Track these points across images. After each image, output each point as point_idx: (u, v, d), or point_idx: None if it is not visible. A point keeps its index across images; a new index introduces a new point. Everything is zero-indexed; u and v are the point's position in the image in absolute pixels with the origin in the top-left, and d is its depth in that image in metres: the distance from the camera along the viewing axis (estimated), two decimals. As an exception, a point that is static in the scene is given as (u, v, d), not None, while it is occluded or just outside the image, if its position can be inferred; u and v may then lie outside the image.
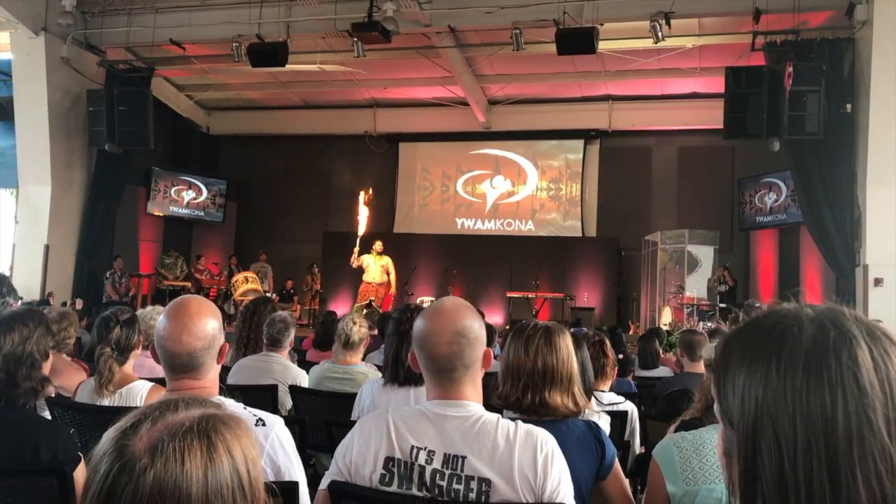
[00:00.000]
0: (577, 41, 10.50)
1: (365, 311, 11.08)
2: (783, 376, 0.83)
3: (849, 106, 10.45)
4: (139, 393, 3.15)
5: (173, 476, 0.95)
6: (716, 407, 0.92)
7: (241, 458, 1.02)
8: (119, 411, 1.05)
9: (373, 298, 12.92)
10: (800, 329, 0.85)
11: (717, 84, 11.88)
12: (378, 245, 13.35)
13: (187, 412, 1.03)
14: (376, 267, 13.28)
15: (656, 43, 10.79)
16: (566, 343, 2.40)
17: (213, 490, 0.97)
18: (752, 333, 0.89)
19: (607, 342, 3.85)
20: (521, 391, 2.34)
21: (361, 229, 13.31)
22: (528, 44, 11.36)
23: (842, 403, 0.80)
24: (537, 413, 2.32)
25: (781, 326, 0.87)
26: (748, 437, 0.85)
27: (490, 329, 5.75)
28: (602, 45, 10.86)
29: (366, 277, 13.30)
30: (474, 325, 1.91)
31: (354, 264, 13.08)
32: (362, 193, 13.86)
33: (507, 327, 12.04)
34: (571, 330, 2.72)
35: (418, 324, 1.93)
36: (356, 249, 13.00)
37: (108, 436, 1.00)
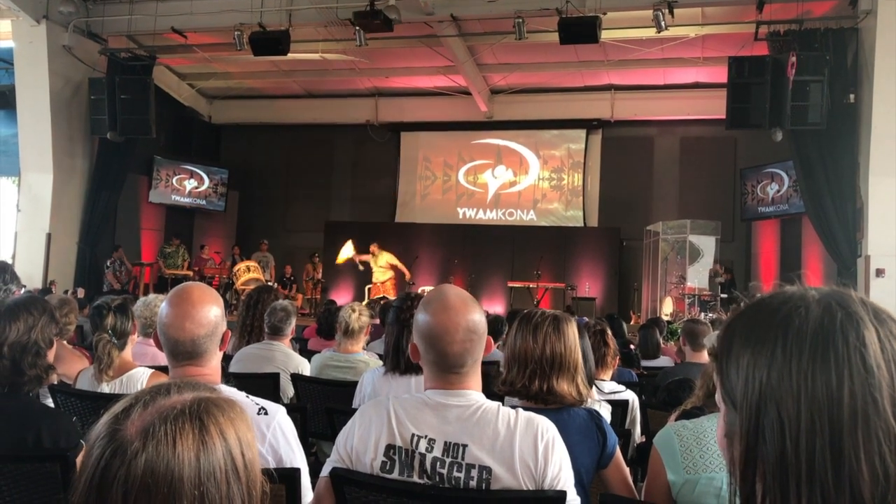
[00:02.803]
0: (579, 30, 10.48)
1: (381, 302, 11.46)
2: (789, 356, 0.82)
3: (852, 96, 10.43)
4: (139, 379, 3.16)
5: (165, 459, 0.95)
6: (718, 388, 0.92)
7: (235, 441, 1.02)
8: (120, 398, 1.05)
9: (384, 296, 13.20)
10: (806, 310, 0.85)
11: (720, 74, 11.85)
12: (373, 248, 14.25)
13: (180, 396, 1.03)
14: (377, 268, 14.11)
15: (659, 32, 10.77)
16: (573, 331, 2.42)
17: (205, 473, 0.97)
18: (756, 314, 0.89)
19: (608, 331, 3.85)
20: (528, 378, 2.34)
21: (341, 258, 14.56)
22: (531, 33, 11.34)
23: (848, 383, 0.80)
24: (544, 400, 2.32)
25: (787, 307, 0.86)
26: (751, 417, 0.84)
27: (498, 320, 5.75)
28: (605, 35, 10.84)
29: (373, 279, 14.23)
30: (481, 318, 1.92)
31: (360, 265, 14.27)
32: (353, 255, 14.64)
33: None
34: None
35: (425, 319, 1.90)
36: (353, 256, 14.22)
37: (102, 421, 1.00)
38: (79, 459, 2.13)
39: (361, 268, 14.17)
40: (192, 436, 0.98)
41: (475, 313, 1.90)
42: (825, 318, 0.84)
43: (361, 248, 14.41)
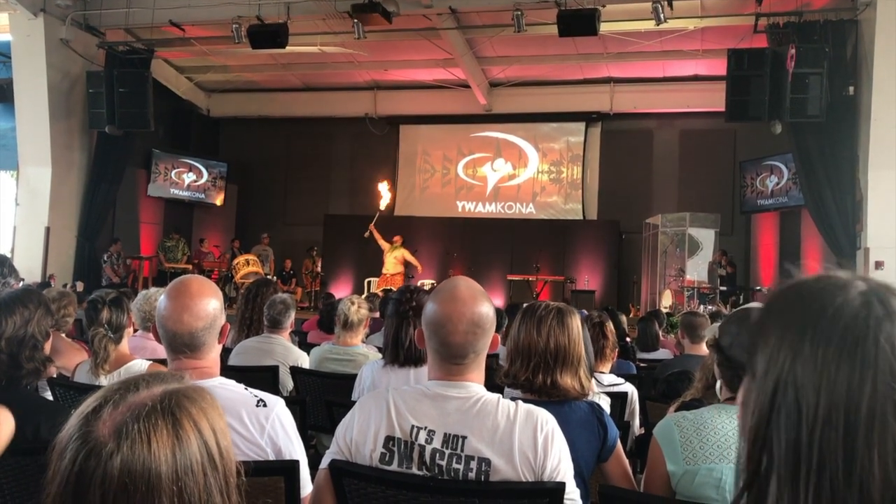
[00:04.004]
0: (578, 23, 10.45)
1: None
2: (816, 345, 0.81)
3: (851, 88, 10.42)
4: (137, 372, 3.15)
5: (141, 458, 0.95)
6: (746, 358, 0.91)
7: (209, 431, 1.02)
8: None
9: (389, 288, 13.16)
10: (844, 301, 0.83)
11: (720, 66, 11.84)
12: (397, 239, 14.17)
13: (149, 391, 1.02)
14: (390, 258, 14.00)
15: (658, 25, 10.73)
16: (576, 324, 2.41)
17: (182, 467, 0.97)
18: (795, 295, 0.87)
19: (608, 324, 3.84)
20: (531, 372, 2.33)
21: (384, 204, 14.46)
22: (530, 25, 11.31)
23: (870, 384, 0.79)
24: (548, 394, 2.32)
25: (826, 294, 0.85)
26: (766, 394, 0.84)
27: (497, 312, 5.74)
28: (604, 27, 10.79)
29: (383, 269, 14.16)
30: (489, 312, 1.91)
31: (375, 235, 14.11)
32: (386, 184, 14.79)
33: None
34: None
35: (432, 308, 1.91)
36: (372, 225, 14.04)
37: (71, 422, 1.00)
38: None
39: (367, 235, 14.08)
40: (167, 432, 0.97)
41: (483, 306, 1.90)
42: (861, 313, 0.82)
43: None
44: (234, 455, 1.07)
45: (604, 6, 10.58)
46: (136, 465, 0.94)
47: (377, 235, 14.04)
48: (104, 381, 3.14)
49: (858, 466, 0.78)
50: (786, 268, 0.95)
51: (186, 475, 0.97)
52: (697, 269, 13.31)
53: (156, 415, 0.98)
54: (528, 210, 16.42)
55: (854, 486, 0.78)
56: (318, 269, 15.58)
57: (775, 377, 0.83)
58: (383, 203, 14.46)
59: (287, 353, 4.33)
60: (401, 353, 3.25)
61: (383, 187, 14.60)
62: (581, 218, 16.02)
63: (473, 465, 1.78)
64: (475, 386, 1.89)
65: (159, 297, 2.17)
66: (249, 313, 4.75)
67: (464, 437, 1.80)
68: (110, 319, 3.21)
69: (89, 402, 1.01)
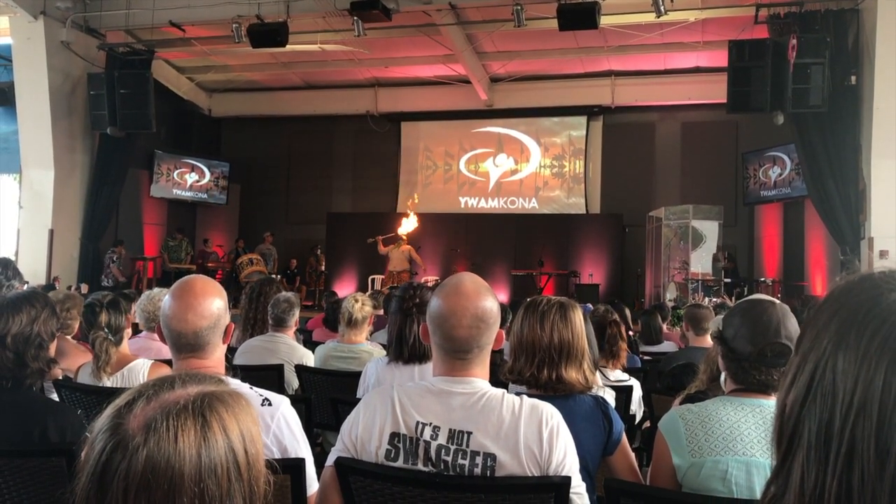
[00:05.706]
0: (578, 16, 10.43)
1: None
2: (861, 337, 0.80)
3: (853, 78, 10.39)
4: (140, 371, 3.18)
5: (166, 455, 0.95)
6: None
7: (238, 437, 1.01)
8: (124, 391, 1.05)
9: (396, 285, 13.13)
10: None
11: (721, 58, 11.80)
12: (404, 236, 14.07)
13: (184, 390, 1.02)
14: (397, 253, 13.88)
15: (659, 17, 10.69)
16: (579, 318, 2.40)
17: (206, 469, 0.97)
18: (857, 286, 0.86)
19: (623, 326, 3.81)
20: (536, 367, 2.33)
21: (404, 230, 14.10)
22: (530, 20, 11.28)
23: None
24: (553, 389, 2.31)
25: (882, 291, 0.83)
26: (806, 374, 0.84)
27: (501, 308, 5.73)
28: (604, 20, 10.77)
29: (389, 267, 13.97)
30: (494, 307, 1.92)
31: (379, 245, 13.91)
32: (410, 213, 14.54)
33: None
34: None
35: (436, 302, 1.91)
36: (380, 238, 13.83)
37: (105, 413, 1.00)
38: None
39: (370, 241, 14.00)
40: (194, 432, 0.97)
41: (487, 301, 1.90)
42: None
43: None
44: (263, 463, 1.06)
45: (604, -1, 10.57)
46: (159, 462, 0.94)
47: (380, 243, 13.96)
48: (108, 382, 3.17)
49: (892, 462, 0.76)
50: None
51: (209, 478, 0.97)
52: (701, 262, 13.29)
53: (186, 414, 0.98)
54: (530, 205, 16.41)
55: (886, 480, 0.76)
56: (322, 267, 15.57)
57: (816, 359, 0.83)
58: (402, 230, 14.18)
59: (292, 351, 4.34)
60: (405, 350, 3.25)
61: (409, 221, 14.36)
62: (584, 212, 16.00)
63: (479, 460, 1.78)
64: (480, 381, 1.89)
65: (163, 298, 2.18)
66: (254, 312, 4.75)
67: (469, 433, 1.80)
68: (109, 322, 3.23)
69: (124, 396, 1.02)
